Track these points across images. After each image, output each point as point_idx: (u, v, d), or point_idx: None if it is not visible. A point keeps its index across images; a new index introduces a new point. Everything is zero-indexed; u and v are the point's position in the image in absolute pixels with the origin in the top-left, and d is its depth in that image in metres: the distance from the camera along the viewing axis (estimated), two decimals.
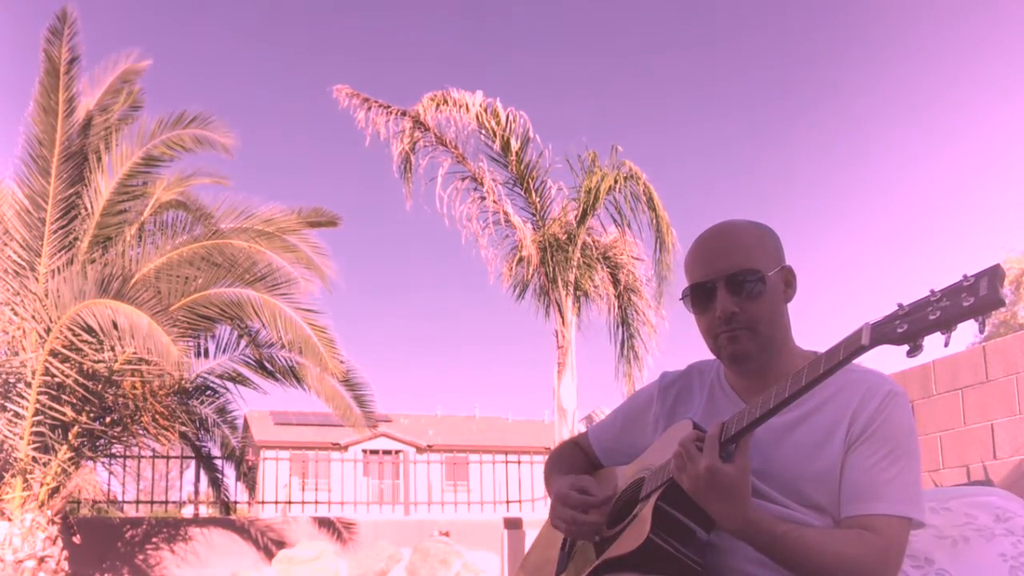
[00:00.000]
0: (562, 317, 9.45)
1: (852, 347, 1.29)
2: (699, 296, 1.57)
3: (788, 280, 1.60)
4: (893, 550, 1.44)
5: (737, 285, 1.53)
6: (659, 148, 46.79)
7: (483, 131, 9.41)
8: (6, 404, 6.74)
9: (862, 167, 51.40)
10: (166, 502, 12.86)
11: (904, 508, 1.45)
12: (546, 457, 1.96)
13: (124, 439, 7.83)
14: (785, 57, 52.64)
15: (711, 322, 1.56)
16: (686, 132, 53.33)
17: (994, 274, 1.15)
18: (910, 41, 48.78)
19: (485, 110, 9.32)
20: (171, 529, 8.74)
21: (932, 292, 1.21)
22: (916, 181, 51.60)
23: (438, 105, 9.41)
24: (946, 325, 1.18)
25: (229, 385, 8.51)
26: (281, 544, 8.73)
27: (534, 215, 9.72)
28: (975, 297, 1.15)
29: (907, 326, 1.22)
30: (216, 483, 9.23)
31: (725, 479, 1.37)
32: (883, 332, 1.24)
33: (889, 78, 50.29)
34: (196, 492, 10.49)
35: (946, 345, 1.21)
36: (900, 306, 1.24)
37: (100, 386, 6.98)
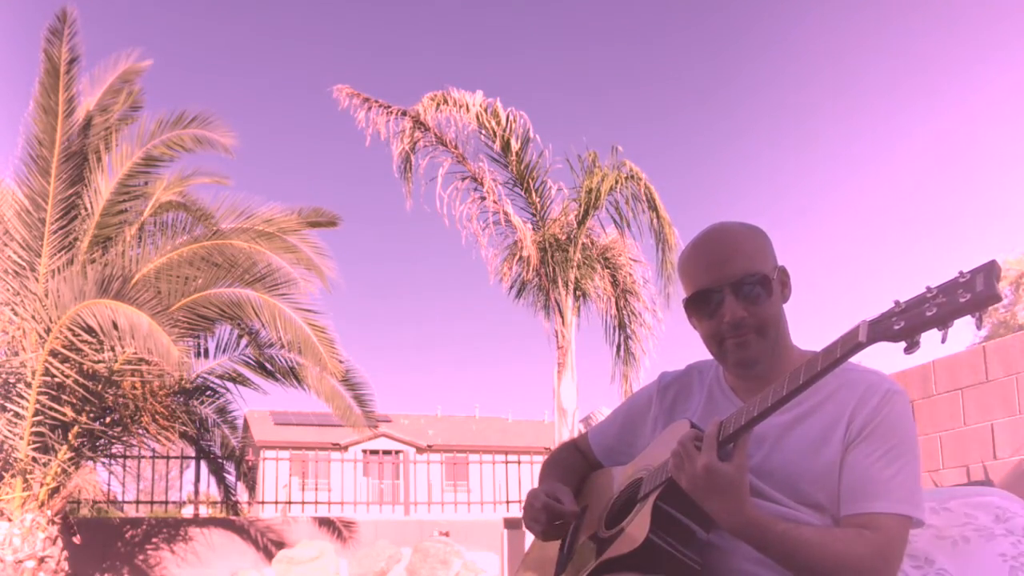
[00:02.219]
0: (562, 317, 9.45)
1: (849, 344, 1.29)
2: (704, 303, 1.56)
3: (784, 280, 1.61)
4: (893, 548, 1.44)
5: (744, 290, 1.53)
6: (660, 146, 46.81)
7: (483, 131, 9.42)
8: (6, 404, 6.74)
9: (860, 165, 51.41)
10: (166, 502, 12.86)
11: (904, 507, 1.45)
12: (543, 462, 1.96)
13: (124, 439, 7.84)
14: (785, 52, 52.64)
15: (717, 328, 1.55)
16: (688, 130, 53.35)
17: (990, 270, 1.15)
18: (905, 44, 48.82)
19: (485, 110, 9.33)
20: (171, 529, 8.75)
21: (928, 289, 1.21)
22: (915, 181, 51.61)
23: (438, 105, 9.42)
24: (943, 321, 1.18)
25: (229, 385, 8.53)
26: (281, 544, 8.74)
27: (534, 215, 9.72)
28: (971, 293, 1.15)
29: (904, 323, 1.21)
30: (222, 481, 9.22)
31: (723, 478, 1.37)
32: (880, 329, 1.24)
33: (887, 76, 50.31)
34: (196, 492, 10.49)
35: (943, 342, 1.20)
36: (897, 303, 1.24)
37: (100, 386, 6.98)
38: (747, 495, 1.40)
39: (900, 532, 1.45)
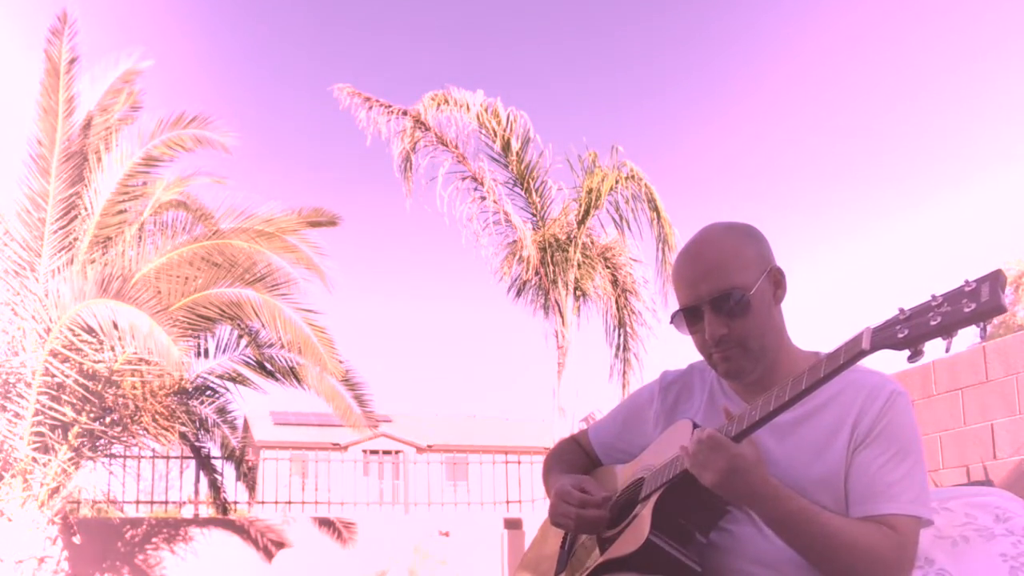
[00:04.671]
0: (562, 317, 9.46)
1: (853, 351, 1.28)
2: (688, 318, 1.58)
3: (777, 281, 1.58)
4: (908, 549, 1.44)
5: (722, 307, 1.52)
6: (662, 144, 46.78)
7: (484, 131, 9.43)
8: (6, 404, 6.74)
9: (858, 163, 51.43)
10: (166, 502, 12.84)
11: (915, 507, 1.46)
12: (546, 456, 1.96)
13: (124, 439, 7.83)
14: (787, 50, 52.66)
15: (703, 342, 1.57)
16: (689, 129, 53.35)
17: (996, 279, 1.14)
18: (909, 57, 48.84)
19: (486, 110, 9.34)
20: (171, 529, 8.75)
21: (933, 297, 1.20)
22: (916, 180, 51.63)
23: (439, 105, 9.43)
24: (947, 331, 1.17)
25: (229, 385, 8.52)
26: (281, 544, 8.73)
27: (534, 215, 9.73)
28: (976, 303, 1.14)
29: (908, 331, 1.21)
30: (214, 484, 9.23)
31: (743, 461, 1.38)
32: (884, 337, 1.24)
33: (891, 76, 50.34)
34: (196, 492, 10.48)
35: (947, 351, 1.20)
36: (901, 310, 1.23)
37: (100, 386, 6.98)
38: (766, 471, 1.41)
39: (914, 533, 1.46)
